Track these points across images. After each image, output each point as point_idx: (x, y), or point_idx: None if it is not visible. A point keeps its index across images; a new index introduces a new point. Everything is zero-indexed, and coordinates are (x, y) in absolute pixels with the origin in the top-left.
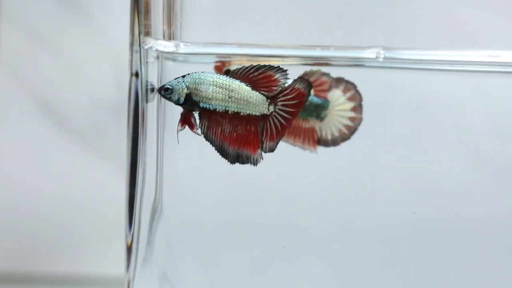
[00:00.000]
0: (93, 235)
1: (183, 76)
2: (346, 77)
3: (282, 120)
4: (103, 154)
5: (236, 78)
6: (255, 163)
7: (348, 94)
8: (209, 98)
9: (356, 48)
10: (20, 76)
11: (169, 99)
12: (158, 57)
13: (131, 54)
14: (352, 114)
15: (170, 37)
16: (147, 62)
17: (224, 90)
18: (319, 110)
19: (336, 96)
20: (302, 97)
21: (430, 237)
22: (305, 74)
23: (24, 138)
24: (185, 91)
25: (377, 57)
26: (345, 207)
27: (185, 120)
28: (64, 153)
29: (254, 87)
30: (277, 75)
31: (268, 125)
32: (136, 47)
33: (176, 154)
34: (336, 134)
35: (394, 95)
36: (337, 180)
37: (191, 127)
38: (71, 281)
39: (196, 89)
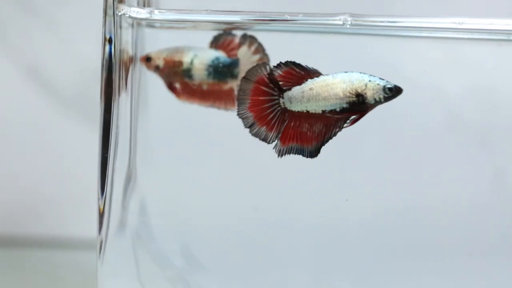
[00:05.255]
0: (78, 200)
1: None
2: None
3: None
4: (89, 120)
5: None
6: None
7: (253, 48)
8: None
9: (323, 15)
10: (7, 41)
11: None
12: (132, 25)
13: (105, 20)
14: None
15: (144, 4)
16: (120, 28)
17: None
18: (231, 69)
19: (244, 52)
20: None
21: (404, 199)
22: (215, 38)
23: (10, 103)
24: None
25: (344, 24)
26: (325, 172)
27: None
28: (49, 118)
29: None
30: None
31: None
32: (109, 13)
33: (149, 118)
34: None
35: (364, 62)
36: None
37: None
38: (50, 243)
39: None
